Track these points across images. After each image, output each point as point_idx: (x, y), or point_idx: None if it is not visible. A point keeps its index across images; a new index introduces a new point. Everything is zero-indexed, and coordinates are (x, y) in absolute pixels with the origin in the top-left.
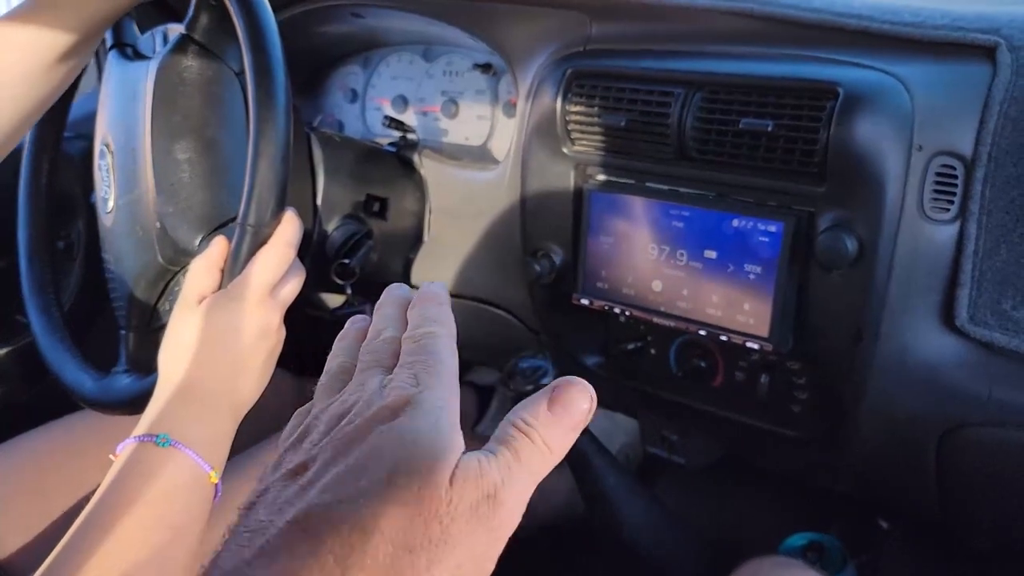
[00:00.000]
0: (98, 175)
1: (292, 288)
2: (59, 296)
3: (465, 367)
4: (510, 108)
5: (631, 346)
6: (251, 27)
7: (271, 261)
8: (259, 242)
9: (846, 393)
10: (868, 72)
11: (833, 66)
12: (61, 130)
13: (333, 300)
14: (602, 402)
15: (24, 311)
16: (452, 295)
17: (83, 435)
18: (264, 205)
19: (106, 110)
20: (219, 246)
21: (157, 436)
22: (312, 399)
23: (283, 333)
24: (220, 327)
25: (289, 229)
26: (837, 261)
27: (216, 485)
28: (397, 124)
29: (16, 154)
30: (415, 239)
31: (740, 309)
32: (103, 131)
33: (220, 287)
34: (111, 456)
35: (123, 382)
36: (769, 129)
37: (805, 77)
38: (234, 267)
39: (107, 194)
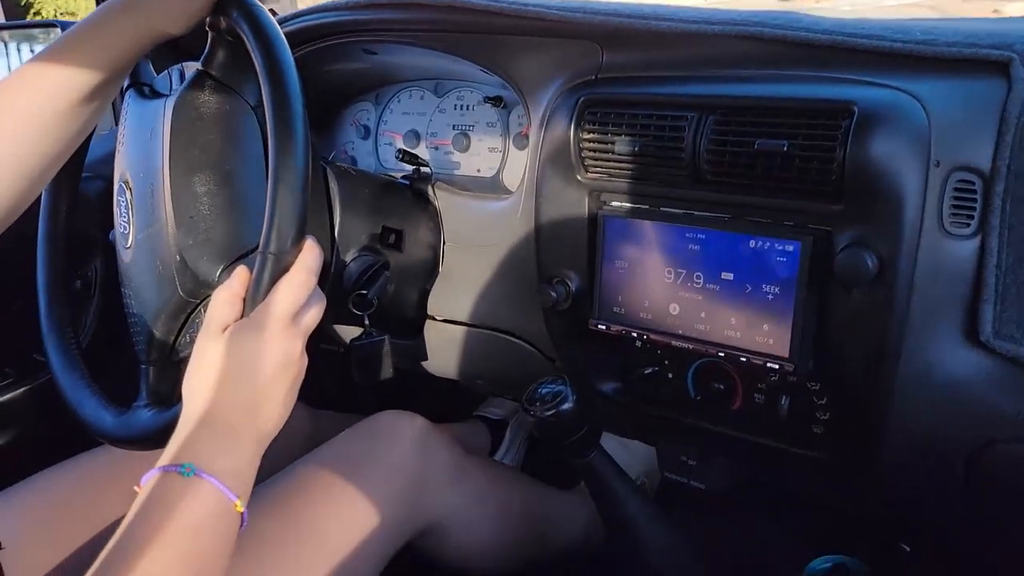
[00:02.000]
0: (117, 212)
1: (314, 315)
2: (77, 334)
3: (478, 400)
4: (521, 139)
5: (648, 371)
6: (269, 60)
7: (292, 288)
8: (280, 270)
9: (870, 413)
10: (883, 90)
11: (847, 85)
12: (79, 172)
13: (349, 332)
14: (620, 429)
15: (42, 350)
16: (468, 324)
17: (104, 471)
18: (285, 233)
19: (125, 148)
20: (241, 276)
21: (182, 466)
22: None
23: (305, 361)
24: (243, 356)
25: (310, 256)
26: (857, 279)
27: (242, 514)
28: (410, 157)
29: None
30: (430, 270)
31: (759, 330)
32: (122, 169)
33: (243, 316)
34: (135, 488)
35: (144, 416)
36: (784, 149)
37: (819, 97)
38: (256, 295)
39: (126, 230)
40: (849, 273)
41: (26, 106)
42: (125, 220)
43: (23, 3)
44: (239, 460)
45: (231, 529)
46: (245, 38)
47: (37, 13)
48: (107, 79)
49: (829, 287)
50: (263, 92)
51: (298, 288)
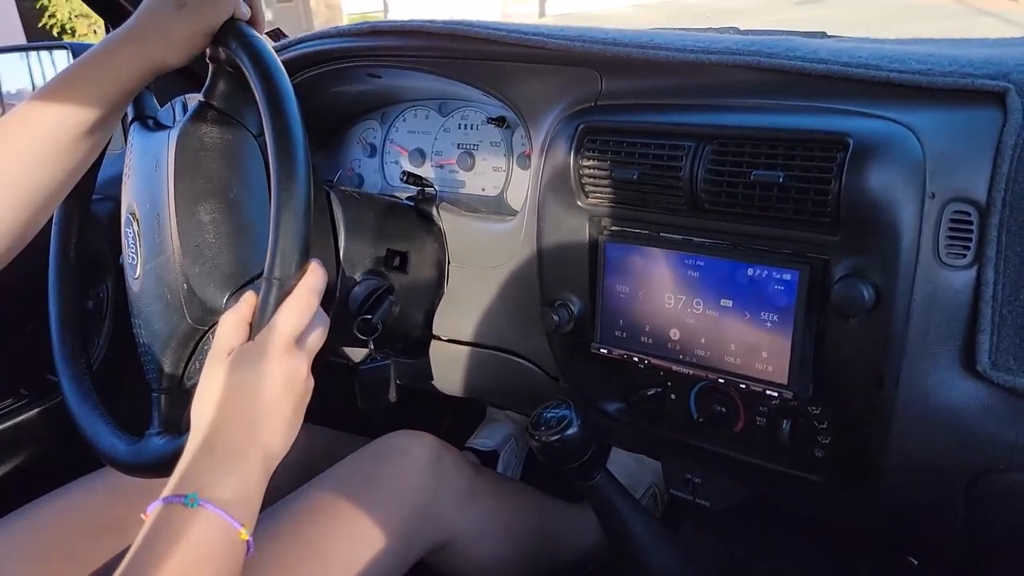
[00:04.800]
0: (125, 243)
1: (318, 336)
2: (89, 358)
3: (469, 430)
4: (524, 160)
5: (651, 392)
6: (268, 89)
7: (296, 311)
8: (285, 293)
9: (870, 438)
10: (877, 122)
11: (842, 116)
12: (90, 193)
13: (356, 354)
14: (626, 445)
15: (54, 371)
16: (473, 344)
17: (114, 492)
18: (288, 258)
19: (131, 180)
20: (248, 301)
21: (185, 497)
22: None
23: (311, 383)
24: (248, 379)
25: (312, 279)
26: (854, 309)
27: (248, 542)
28: (415, 179)
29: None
30: (435, 291)
31: (758, 357)
32: (128, 200)
33: (249, 340)
34: (142, 516)
35: (156, 444)
36: (780, 181)
37: (814, 128)
38: (261, 319)
39: (134, 260)
40: (846, 303)
41: (30, 140)
42: (133, 251)
43: (38, 5)
44: (244, 486)
45: (237, 557)
46: (244, 69)
47: (52, 15)
48: (109, 111)
49: (827, 315)
50: (264, 120)
51: (301, 310)
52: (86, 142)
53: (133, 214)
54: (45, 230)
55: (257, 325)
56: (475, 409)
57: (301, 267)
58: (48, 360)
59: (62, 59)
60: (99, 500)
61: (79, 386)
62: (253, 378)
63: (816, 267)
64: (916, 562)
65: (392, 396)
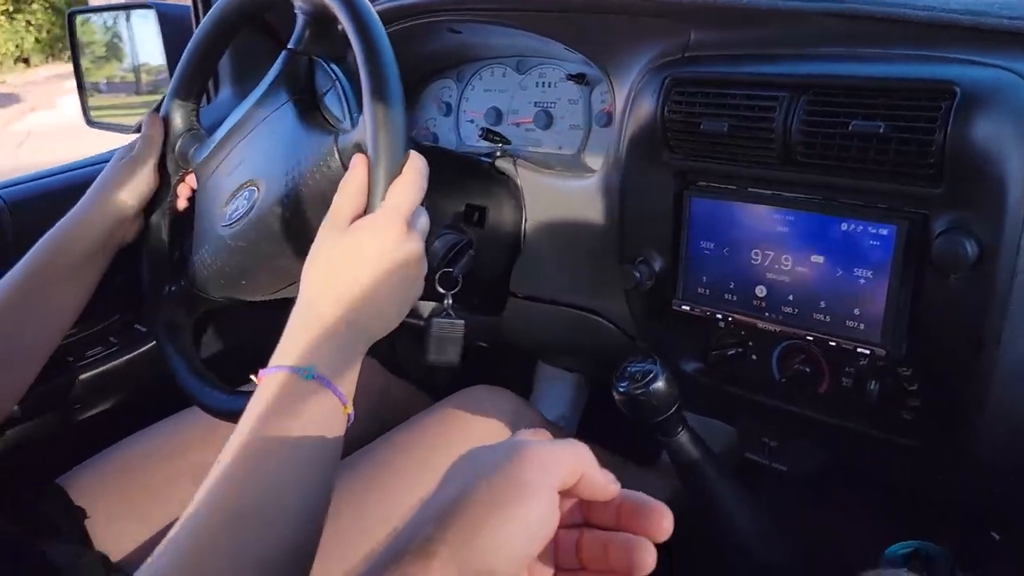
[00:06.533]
0: (233, 204)
1: (426, 220)
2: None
3: (525, 385)
4: (603, 117)
5: (731, 352)
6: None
7: (410, 188)
8: (394, 171)
9: (965, 401)
10: (986, 70)
11: (948, 64)
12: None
13: (425, 309)
14: (701, 408)
15: (143, 320)
16: (549, 302)
17: (185, 435)
18: (394, 140)
19: (262, 155)
20: (363, 167)
21: (302, 369)
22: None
23: (425, 264)
24: (369, 253)
25: (418, 161)
26: (955, 265)
27: (349, 415)
28: (493, 136)
29: None
30: (513, 247)
31: (850, 314)
32: (253, 172)
33: (366, 211)
34: (252, 378)
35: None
36: (880, 131)
37: (918, 76)
38: (376, 192)
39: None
40: (947, 259)
41: (42, 265)
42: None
43: None
44: (348, 362)
45: (341, 430)
46: (339, 17)
47: None
48: (93, 252)
49: (924, 272)
50: (352, 42)
51: (415, 189)
52: (83, 272)
53: (257, 187)
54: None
55: (373, 196)
56: (530, 363)
57: (406, 149)
58: (135, 311)
59: (148, 18)
60: (183, 439)
61: (183, 355)
62: (376, 254)
63: (915, 222)
64: (998, 537)
65: (458, 355)
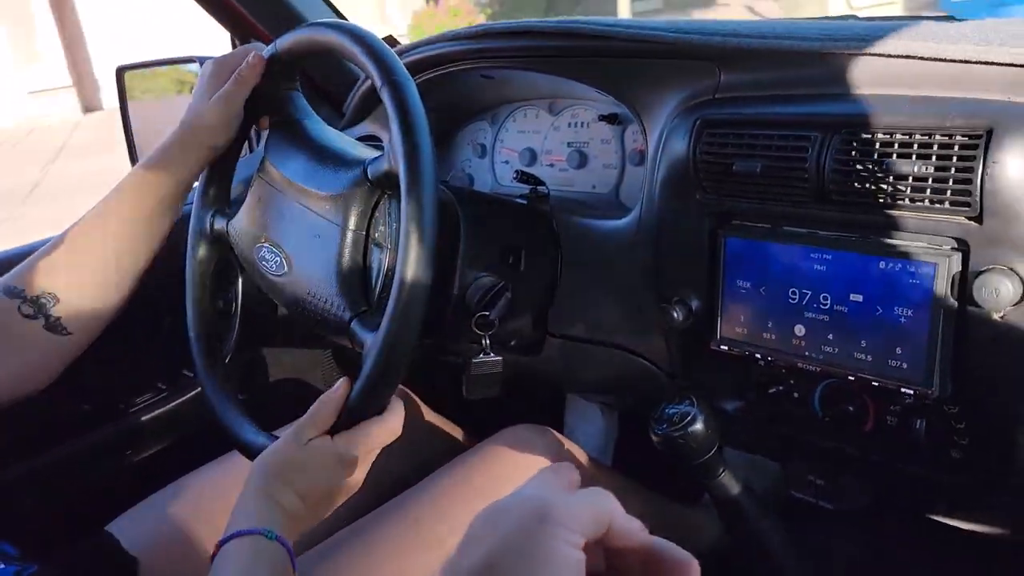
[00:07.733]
0: (264, 264)
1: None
2: (222, 355)
3: (557, 419)
4: (637, 156)
5: (772, 390)
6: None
7: (381, 437)
8: (377, 410)
9: (1017, 440)
10: (1021, 107)
11: (981, 104)
12: (227, 194)
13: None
14: (744, 445)
15: (190, 366)
16: (587, 341)
17: (234, 477)
18: (383, 390)
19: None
20: (344, 389)
21: (265, 530)
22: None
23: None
24: (322, 469)
25: (397, 420)
26: (998, 303)
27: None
28: (528, 177)
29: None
30: (550, 289)
31: (892, 354)
32: (268, 235)
33: (332, 430)
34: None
35: None
36: (916, 170)
37: (953, 115)
38: (349, 419)
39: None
40: (990, 297)
41: (120, 211)
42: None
43: None
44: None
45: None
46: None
47: None
48: (171, 202)
49: (967, 311)
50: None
51: (384, 438)
52: (159, 225)
53: (277, 246)
54: (182, 236)
55: (346, 421)
56: (560, 395)
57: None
58: (183, 357)
59: (192, 72)
60: (230, 482)
61: (223, 397)
62: (328, 474)
63: (955, 260)
64: None
65: (496, 391)
